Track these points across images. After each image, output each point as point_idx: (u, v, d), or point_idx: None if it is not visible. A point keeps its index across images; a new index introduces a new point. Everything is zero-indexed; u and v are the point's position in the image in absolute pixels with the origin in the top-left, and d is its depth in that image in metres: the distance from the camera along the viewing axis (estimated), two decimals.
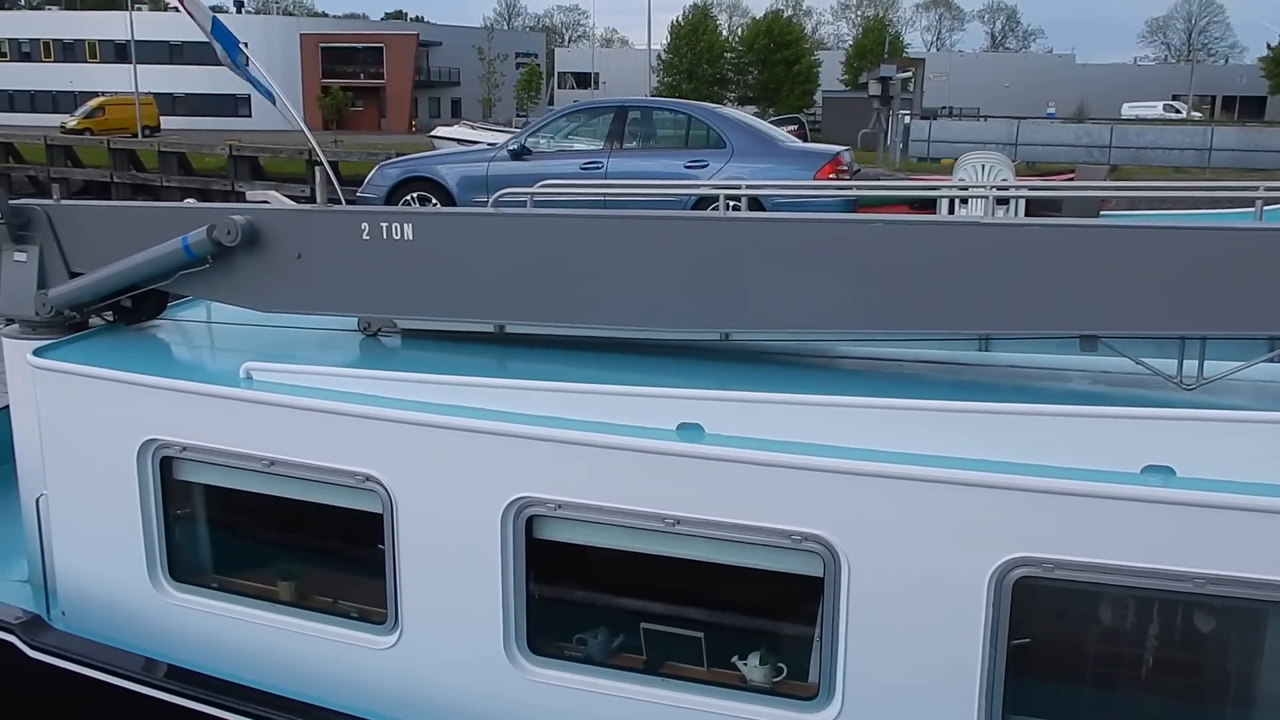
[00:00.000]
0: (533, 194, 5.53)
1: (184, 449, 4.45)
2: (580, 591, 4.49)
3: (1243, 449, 3.61)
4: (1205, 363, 4.17)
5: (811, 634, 3.98)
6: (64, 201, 5.16)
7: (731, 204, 6.37)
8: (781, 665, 4.07)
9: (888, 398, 3.94)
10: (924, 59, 58.77)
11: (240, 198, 25.28)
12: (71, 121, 51.72)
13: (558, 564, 4.21)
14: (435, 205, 11.54)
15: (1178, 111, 68.29)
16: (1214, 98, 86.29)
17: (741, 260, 4.43)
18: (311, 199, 9.31)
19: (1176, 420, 3.74)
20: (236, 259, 4.82)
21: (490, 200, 5.30)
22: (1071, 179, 11.49)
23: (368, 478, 4.16)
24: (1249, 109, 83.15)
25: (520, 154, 11.80)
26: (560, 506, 3.96)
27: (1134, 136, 41.03)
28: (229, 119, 65.18)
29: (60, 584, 4.80)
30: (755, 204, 9.07)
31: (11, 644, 4.57)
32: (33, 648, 4.53)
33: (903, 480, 3.63)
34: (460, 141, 27.23)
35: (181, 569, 4.63)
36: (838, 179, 10.72)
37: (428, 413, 4.12)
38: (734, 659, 4.10)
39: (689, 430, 3.93)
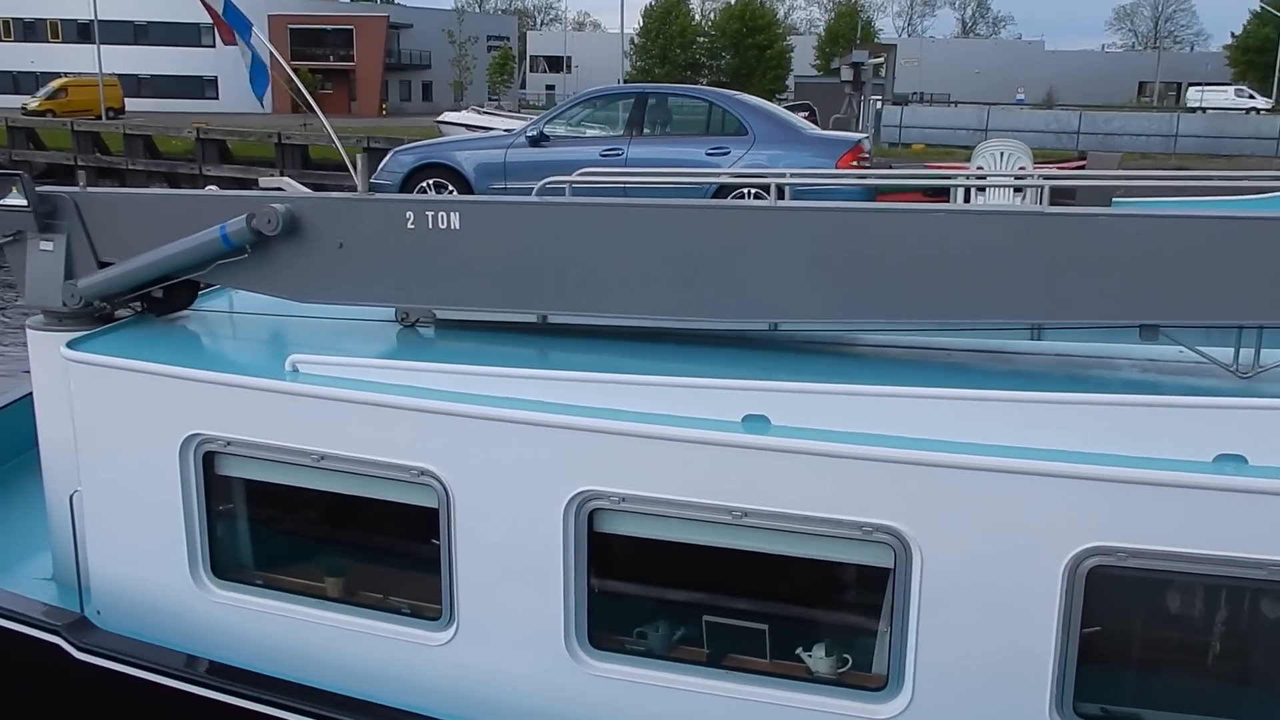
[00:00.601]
0: (574, 182, 5.48)
1: (228, 444, 4.36)
2: (641, 585, 4.43)
3: None
4: (1261, 351, 4.20)
5: (877, 626, 3.97)
6: (92, 189, 5.05)
7: (753, 194, 6.30)
8: (847, 656, 4.06)
9: (950, 388, 3.94)
10: (895, 45, 58.97)
11: (208, 182, 24.99)
12: (33, 103, 50.84)
13: (619, 557, 4.19)
14: (453, 192, 11.37)
15: (1251, 98, 66.37)
16: (1179, 85, 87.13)
17: (788, 250, 4.42)
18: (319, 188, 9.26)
19: (1246, 409, 3.75)
20: (275, 249, 4.74)
21: (535, 190, 5.21)
22: (1083, 167, 11.46)
23: (423, 472, 4.09)
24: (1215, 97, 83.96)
25: (539, 140, 11.66)
26: (624, 500, 3.92)
27: (1102, 123, 41.41)
28: (195, 101, 64.44)
29: (95, 582, 4.68)
30: (779, 194, 9.21)
31: (57, 645, 4.47)
32: (79, 649, 4.44)
33: (976, 471, 3.64)
34: (469, 127, 26.93)
35: (224, 566, 4.54)
36: (859, 167, 10.68)
37: (487, 405, 4.05)
38: (798, 650, 4.08)
39: (755, 422, 3.90)
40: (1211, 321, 4.21)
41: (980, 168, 10.19)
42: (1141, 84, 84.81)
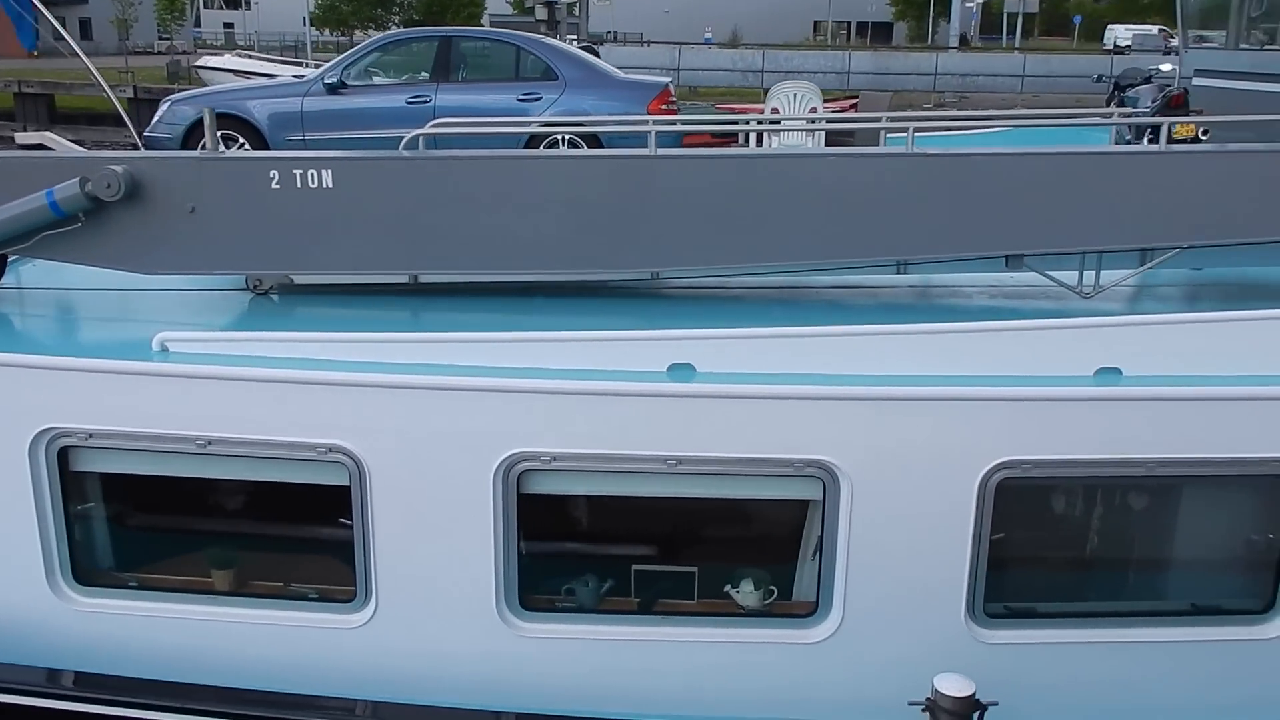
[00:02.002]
0: (439, 133, 5.20)
1: (89, 436, 3.86)
2: (571, 542, 4.37)
3: (1173, 347, 4.02)
4: (1101, 273, 4.68)
5: (803, 556, 4.11)
6: None
7: (568, 141, 6.13)
8: (773, 588, 4.14)
9: (856, 325, 4.08)
10: None
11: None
12: None
13: (549, 517, 4.10)
14: (245, 146, 10.43)
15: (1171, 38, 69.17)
16: (850, 24, 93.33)
17: (671, 198, 4.41)
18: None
19: (1115, 326, 4.13)
20: (114, 215, 4.25)
21: (403, 143, 4.86)
22: (855, 106, 11.89)
23: (332, 448, 3.82)
24: (880, 34, 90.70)
25: (337, 88, 10.99)
26: (555, 459, 3.84)
27: (783, 61, 43.68)
28: None
29: None
30: (594, 140, 8.83)
31: None
32: None
33: (896, 401, 3.82)
34: (236, 73, 24.61)
35: (89, 571, 4.07)
36: (667, 110, 10.67)
37: (403, 374, 3.81)
38: (726, 588, 4.12)
39: (681, 370, 3.91)
40: (1064, 249, 4.63)
41: (775, 109, 10.53)
42: (816, 22, 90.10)
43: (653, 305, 4.87)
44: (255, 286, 4.79)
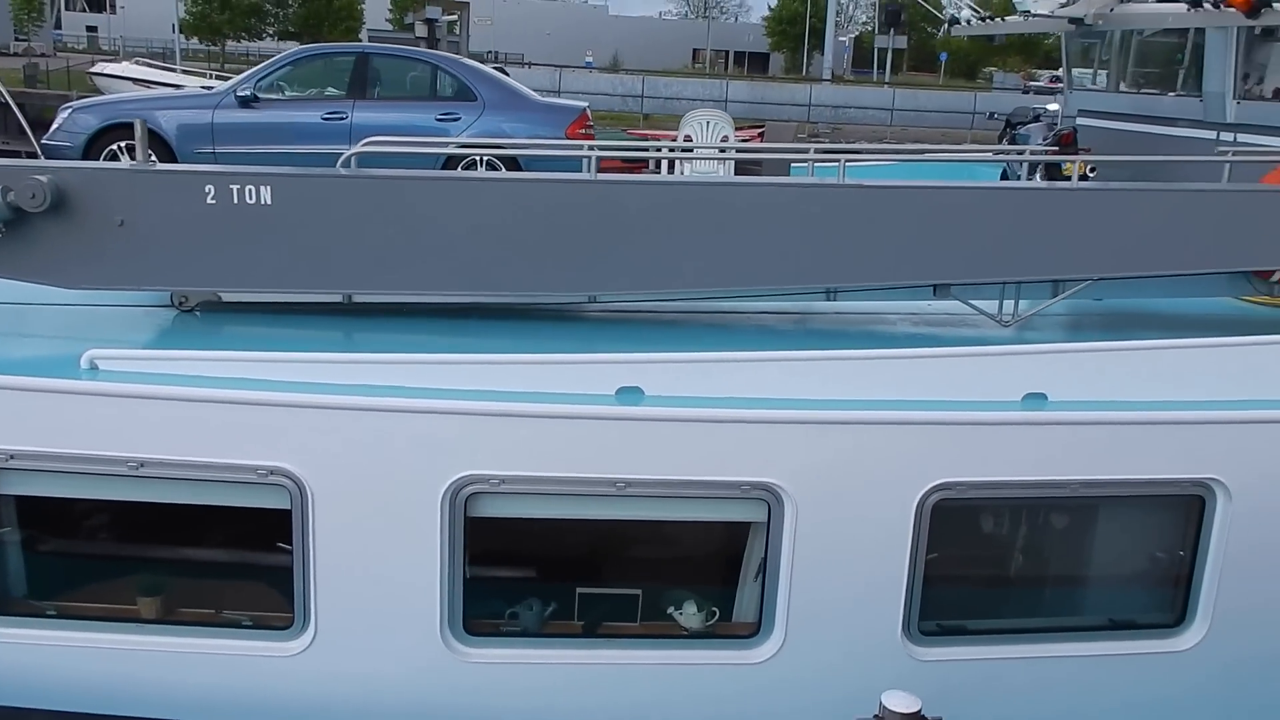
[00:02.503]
0: (377, 151, 5.04)
1: (10, 458, 3.63)
2: (517, 565, 4.29)
3: (1092, 373, 4.22)
4: (1019, 303, 4.93)
5: (746, 577, 4.14)
6: None
7: (485, 162, 6.10)
8: (715, 610, 4.18)
9: (797, 350, 4.16)
10: (469, 3, 59.03)
11: None
12: None
13: (496, 540, 4.03)
14: (151, 158, 9.97)
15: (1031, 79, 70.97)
16: (728, 53, 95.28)
17: (610, 223, 4.42)
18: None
19: (1040, 354, 4.32)
20: (38, 227, 4.05)
21: (341, 160, 4.76)
22: (762, 135, 12.00)
23: (274, 471, 3.67)
24: (756, 64, 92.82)
25: (250, 101, 10.58)
26: (504, 482, 3.78)
27: (662, 87, 44.39)
28: None
29: None
30: (513, 162, 8.69)
31: None
32: None
33: (840, 425, 3.89)
34: (136, 81, 23.40)
35: (6, 600, 3.84)
36: (584, 134, 10.61)
37: (350, 395, 3.68)
38: (670, 610, 4.12)
39: (630, 393, 3.90)
40: (987, 279, 4.87)
41: (688, 136, 10.63)
42: (695, 50, 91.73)
43: (587, 329, 4.87)
44: (181, 303, 4.66)
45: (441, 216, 4.43)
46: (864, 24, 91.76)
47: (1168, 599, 4.47)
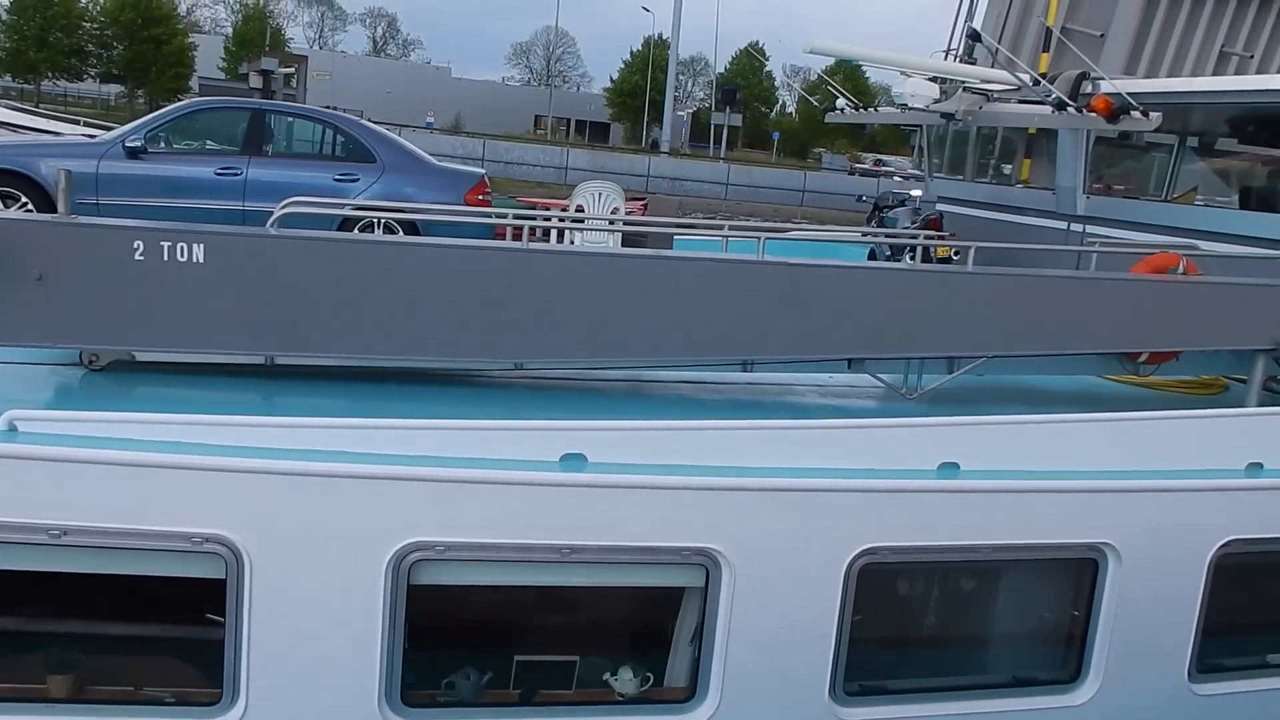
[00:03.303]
0: (301, 212, 5.01)
1: None
2: (458, 634, 4.23)
3: (997, 444, 4.50)
4: (921, 377, 5.30)
5: (679, 642, 4.19)
6: None
7: (383, 226, 6.03)
8: (649, 675, 4.22)
9: (731, 420, 4.31)
10: (308, 56, 58.09)
11: None
12: None
13: (437, 608, 3.96)
14: (27, 206, 9.27)
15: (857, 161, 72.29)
16: (569, 120, 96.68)
17: (539, 292, 4.45)
18: None
19: (957, 426, 4.52)
20: None
21: (273, 219, 4.71)
22: (645, 207, 12.00)
23: (209, 539, 3.55)
24: (597, 133, 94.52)
25: (139, 153, 9.99)
26: (449, 549, 3.75)
27: (503, 151, 44.61)
28: None
29: None
30: (411, 226, 8.56)
31: None
32: None
33: (778, 492, 4.00)
34: (5, 126, 21.70)
35: None
36: (483, 202, 10.56)
37: (293, 460, 3.58)
38: (605, 675, 4.10)
39: (574, 460, 3.93)
40: (894, 355, 5.18)
41: (580, 206, 10.66)
42: (537, 117, 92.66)
43: (510, 395, 4.90)
44: (90, 362, 4.46)
45: (376, 279, 4.41)
46: (701, 100, 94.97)
47: (1065, 656, 4.76)
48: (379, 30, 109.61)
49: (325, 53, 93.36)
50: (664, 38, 68.54)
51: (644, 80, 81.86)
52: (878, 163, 70.49)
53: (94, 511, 3.54)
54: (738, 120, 64.35)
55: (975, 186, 10.72)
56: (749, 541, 4.06)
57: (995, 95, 8.54)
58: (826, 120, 11.70)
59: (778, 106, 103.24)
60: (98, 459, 3.53)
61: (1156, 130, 7.55)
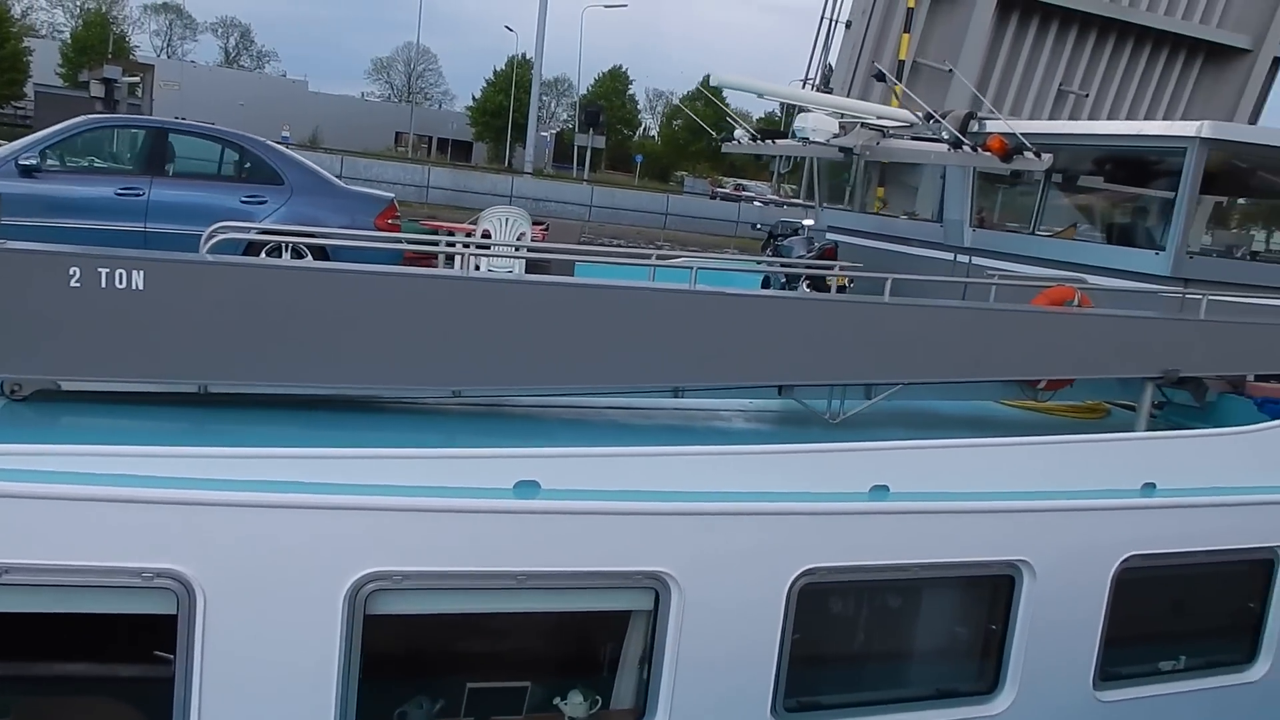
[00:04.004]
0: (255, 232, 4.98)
1: None
2: (409, 662, 4.21)
3: (922, 467, 4.73)
4: (842, 403, 5.55)
5: (628, 664, 4.31)
6: None
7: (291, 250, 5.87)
8: (598, 698, 4.30)
9: (687, 446, 4.42)
10: (154, 65, 55.93)
11: None
12: None
13: (391, 638, 3.93)
14: None
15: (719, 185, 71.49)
16: (431, 138, 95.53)
17: (477, 319, 4.51)
18: None
19: (885, 450, 4.74)
20: None
21: (205, 241, 4.71)
22: (546, 233, 11.79)
23: (160, 574, 3.48)
24: (460, 152, 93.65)
25: (33, 171, 9.42)
26: (406, 578, 3.75)
27: (362, 169, 43.65)
28: None
29: None
30: (321, 252, 8.34)
31: None
32: None
33: (726, 515, 4.15)
34: None
35: None
36: (392, 225, 10.48)
37: (246, 491, 3.54)
38: (555, 700, 4.21)
39: (527, 487, 3.96)
40: (822, 383, 5.39)
41: (486, 232, 10.61)
42: (398, 134, 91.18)
43: (448, 422, 4.90)
44: (13, 391, 4.28)
45: (317, 306, 4.37)
46: (565, 121, 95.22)
47: (985, 668, 5.06)
48: (231, 40, 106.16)
49: (173, 62, 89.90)
50: (527, 57, 68.60)
51: (507, 100, 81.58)
52: (738, 187, 71.87)
53: (36, 548, 3.43)
54: (601, 142, 64.75)
55: (863, 217, 11.12)
56: (698, 564, 4.18)
57: (890, 131, 8.75)
58: (723, 150, 11.97)
59: (640, 129, 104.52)
60: (39, 493, 3.41)
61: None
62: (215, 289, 4.28)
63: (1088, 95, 16.21)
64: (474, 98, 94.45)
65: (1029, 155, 7.51)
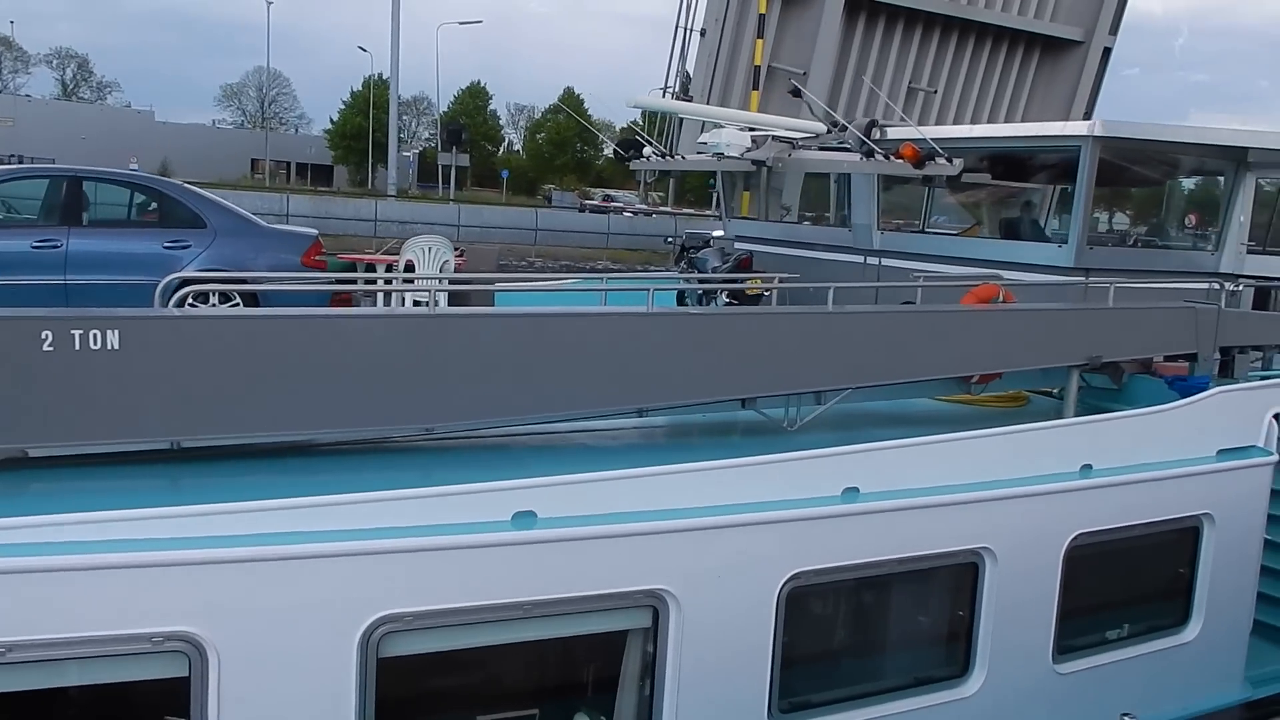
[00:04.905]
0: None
1: None
2: (419, 702, 4.23)
3: (887, 467, 4.96)
4: (799, 411, 5.79)
5: (626, 680, 4.40)
6: None
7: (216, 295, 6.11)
8: (603, 718, 4.38)
9: (671, 462, 4.44)
10: None
11: None
12: None
13: (401, 679, 3.94)
14: None
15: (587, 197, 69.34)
16: (289, 164, 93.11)
17: (451, 355, 4.60)
18: None
19: (851, 454, 4.89)
20: None
21: (161, 291, 4.72)
22: (463, 263, 11.77)
23: (171, 637, 3.44)
24: (320, 176, 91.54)
25: None
26: (417, 618, 3.80)
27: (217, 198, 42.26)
28: None
29: None
30: (252, 297, 8.18)
31: None
32: None
33: (719, 529, 4.31)
34: None
35: None
36: (320, 262, 10.46)
37: (255, 545, 3.52)
38: None
39: (524, 518, 4.02)
40: (779, 393, 5.58)
41: (410, 262, 10.67)
42: (254, 161, 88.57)
43: (422, 459, 4.95)
44: None
45: (292, 353, 4.35)
46: (427, 140, 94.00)
47: (956, 653, 5.35)
48: (68, 72, 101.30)
49: (6, 96, 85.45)
50: (384, 77, 67.37)
51: (366, 121, 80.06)
52: (607, 198, 72.15)
53: (41, 622, 3.35)
54: (465, 160, 63.98)
55: (768, 226, 11.43)
56: (694, 578, 4.32)
57: (799, 143, 8.90)
58: (631, 168, 12.10)
59: (504, 144, 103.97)
60: (41, 566, 3.34)
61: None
62: (193, 343, 4.26)
63: (936, 92, 16.76)
64: (332, 120, 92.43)
65: (940, 161, 7.84)
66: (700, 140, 10.94)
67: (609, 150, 11.60)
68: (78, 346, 3.97)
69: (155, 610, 3.47)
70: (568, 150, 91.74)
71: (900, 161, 7.84)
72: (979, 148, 8.92)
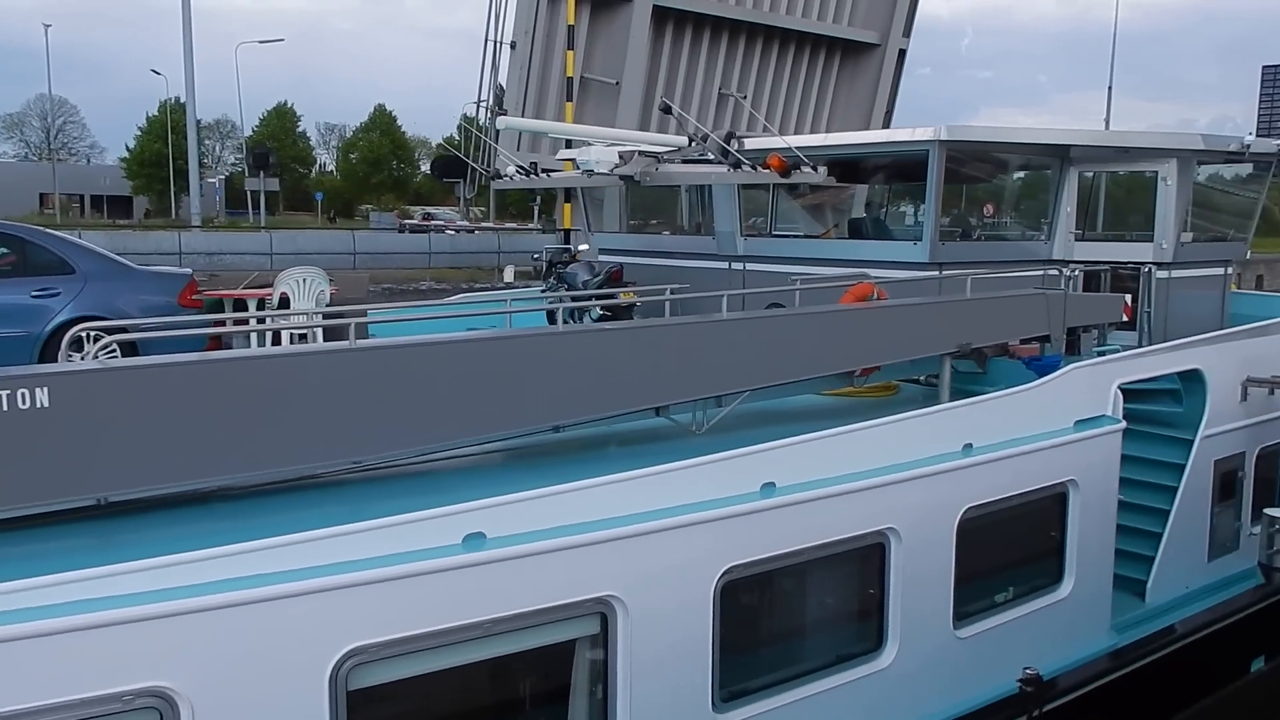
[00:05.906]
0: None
1: None
2: None
3: (801, 460, 5.29)
4: (705, 414, 6.11)
5: (577, 686, 4.56)
6: None
7: (93, 334, 5.86)
8: None
9: (603, 476, 4.58)
10: None
11: None
12: None
13: (370, 709, 3.99)
14: None
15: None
16: (83, 196, 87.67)
17: (375, 387, 4.65)
18: None
19: (764, 451, 5.20)
20: None
21: (68, 342, 4.75)
22: (336, 291, 11.43)
23: (140, 693, 3.41)
24: (118, 208, 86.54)
25: None
26: (384, 648, 3.86)
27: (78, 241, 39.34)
28: None
29: None
30: (131, 346, 7.86)
31: None
32: None
33: (663, 532, 4.54)
34: None
35: None
36: (196, 301, 10.20)
37: (221, 592, 3.50)
38: None
39: (475, 539, 4.15)
40: (688, 399, 5.92)
41: (285, 294, 10.50)
42: (43, 195, 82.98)
43: (350, 491, 4.95)
44: None
45: (223, 398, 4.34)
46: (234, 165, 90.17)
47: (871, 629, 5.82)
48: None
49: None
50: (181, 101, 64.26)
51: (165, 147, 76.11)
52: (426, 216, 70.85)
53: (12, 693, 3.29)
54: (275, 184, 61.80)
55: (628, 237, 11.89)
56: (639, 582, 4.51)
57: (664, 157, 9.15)
58: (494, 188, 12.12)
59: (317, 166, 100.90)
60: (28, 633, 3.28)
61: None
62: (125, 396, 4.16)
63: (746, 96, 17.15)
64: (128, 148, 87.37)
65: (806, 169, 8.16)
66: (562, 155, 11.03)
67: (426, 166, 11.44)
68: (5, 407, 3.86)
69: (123, 668, 3.45)
70: (383, 168, 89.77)
71: (768, 171, 8.11)
72: (833, 155, 9.35)
